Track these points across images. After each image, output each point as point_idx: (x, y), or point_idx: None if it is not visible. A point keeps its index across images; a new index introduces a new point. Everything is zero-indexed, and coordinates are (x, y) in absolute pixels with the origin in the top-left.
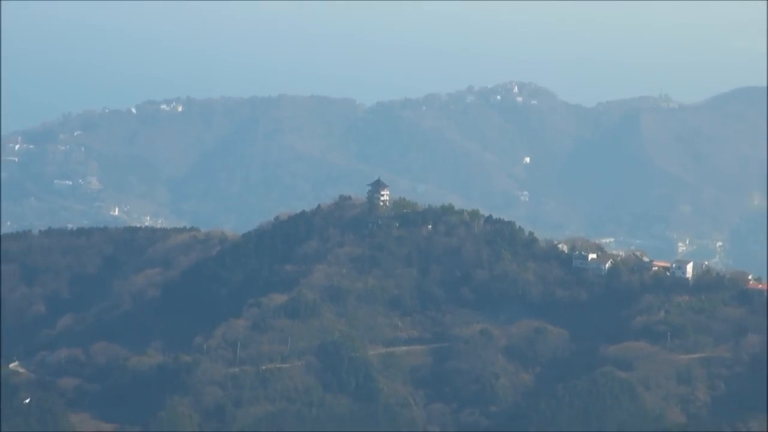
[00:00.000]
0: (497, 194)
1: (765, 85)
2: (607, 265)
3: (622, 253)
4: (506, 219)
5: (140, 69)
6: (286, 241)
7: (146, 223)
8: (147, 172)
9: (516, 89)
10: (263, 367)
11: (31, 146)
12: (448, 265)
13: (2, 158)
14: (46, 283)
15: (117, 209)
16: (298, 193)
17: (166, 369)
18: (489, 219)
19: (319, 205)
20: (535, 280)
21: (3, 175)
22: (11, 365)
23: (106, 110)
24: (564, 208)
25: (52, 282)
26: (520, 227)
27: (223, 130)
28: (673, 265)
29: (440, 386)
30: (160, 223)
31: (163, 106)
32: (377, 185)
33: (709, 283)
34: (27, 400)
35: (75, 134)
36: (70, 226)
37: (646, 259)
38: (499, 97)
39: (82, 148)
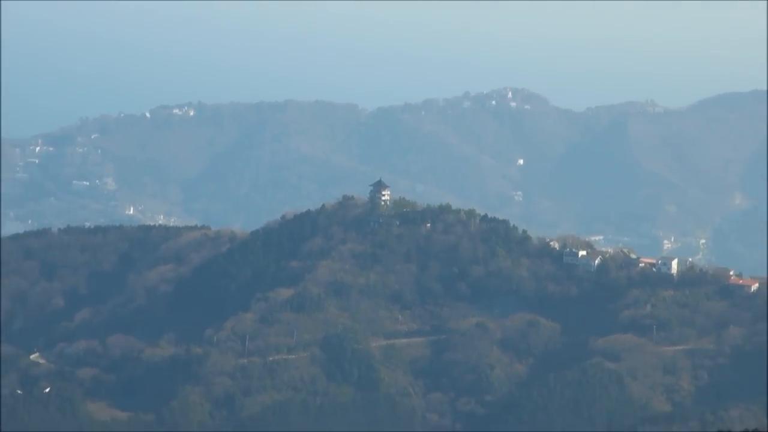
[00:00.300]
0: (492, 194)
1: (745, 90)
2: (596, 262)
3: (610, 250)
4: (501, 218)
5: (154, 76)
6: (292, 239)
7: (159, 222)
8: (160, 173)
9: (510, 95)
10: (270, 359)
11: (51, 149)
12: (446, 261)
13: (24, 160)
14: (64, 278)
15: (132, 208)
16: (304, 194)
17: (178, 360)
18: (484, 218)
19: (323, 205)
20: (528, 276)
21: (25, 176)
22: (32, 356)
23: (122, 115)
24: (556, 208)
25: (70, 277)
26: (514, 226)
27: (232, 134)
28: (659, 262)
29: (438, 376)
30: (172, 222)
31: (176, 111)
32: (378, 186)
33: (692, 278)
34: (47, 389)
35: (92, 137)
36: (87, 224)
37: (633, 256)
38: (494, 102)
39: (99, 151)
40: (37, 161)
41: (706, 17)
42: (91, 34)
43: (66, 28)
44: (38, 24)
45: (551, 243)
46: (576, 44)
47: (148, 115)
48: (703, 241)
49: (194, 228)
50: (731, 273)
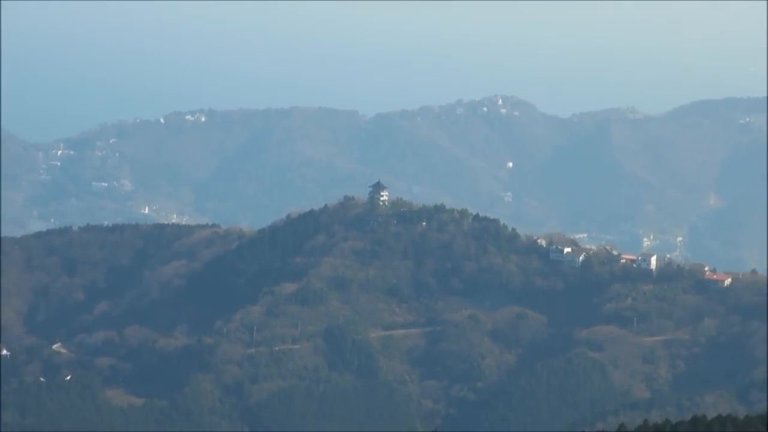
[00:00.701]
0: (484, 195)
1: (719, 98)
2: (580, 258)
3: (594, 247)
4: (492, 217)
5: (167, 83)
6: (297, 237)
7: (173, 221)
8: (174, 175)
9: (500, 102)
10: (276, 348)
11: (72, 152)
12: (440, 257)
13: (47, 163)
14: (84, 273)
15: (147, 208)
16: (308, 194)
17: (190, 350)
18: (476, 217)
19: (325, 205)
20: (517, 271)
21: (47, 177)
22: (54, 346)
23: (138, 120)
24: (543, 208)
25: (90, 272)
26: (503, 224)
27: (241, 138)
28: (639, 258)
29: (433, 365)
30: (185, 221)
31: (188, 117)
32: (377, 187)
33: (670, 273)
34: (68, 377)
35: (110, 142)
36: (105, 223)
37: (615, 253)
38: (485, 109)
39: (117, 154)
40: (59, 164)
41: (682, 30)
42: (107, 44)
43: (83, 38)
44: (59, 35)
45: (538, 240)
46: (562, 52)
47: (162, 120)
48: (679, 238)
49: (205, 226)
50: (706, 269)
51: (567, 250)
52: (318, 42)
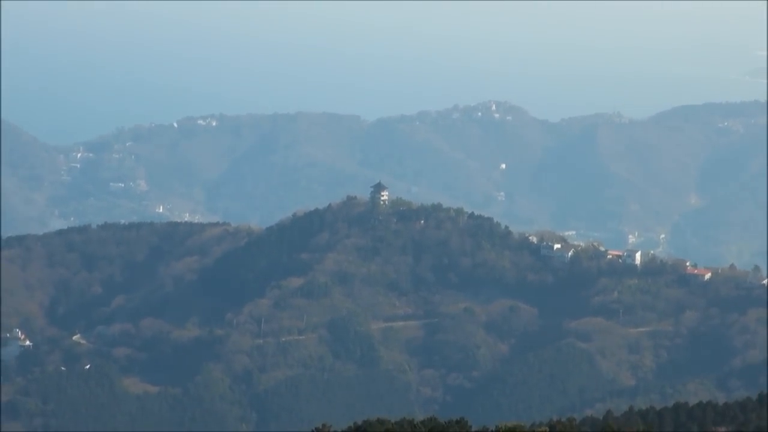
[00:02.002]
0: (478, 194)
1: (699, 103)
2: (569, 254)
3: (582, 243)
4: (486, 215)
5: (179, 88)
6: (302, 234)
7: (185, 219)
8: (186, 176)
9: (494, 107)
10: (283, 339)
11: (91, 155)
12: (438, 253)
13: (68, 165)
14: (102, 268)
15: (161, 207)
16: (312, 194)
17: (202, 340)
18: (471, 215)
19: (329, 204)
20: (510, 267)
21: (68, 179)
22: (74, 337)
23: (152, 124)
24: (534, 206)
25: (107, 268)
26: (497, 222)
27: (249, 141)
28: (625, 254)
29: (431, 355)
30: (197, 219)
31: (200, 121)
32: (378, 187)
33: (654, 268)
34: (87, 366)
35: (127, 145)
36: (122, 221)
37: (602, 249)
38: (479, 113)
39: (133, 156)
40: (78, 166)
41: (664, 38)
42: (118, 49)
43: (98, 45)
44: (76, 45)
45: (530, 237)
46: (551, 48)
47: (175, 125)
48: (662, 235)
49: (216, 224)
50: (687, 264)
51: (557, 246)
52: (321, 48)
